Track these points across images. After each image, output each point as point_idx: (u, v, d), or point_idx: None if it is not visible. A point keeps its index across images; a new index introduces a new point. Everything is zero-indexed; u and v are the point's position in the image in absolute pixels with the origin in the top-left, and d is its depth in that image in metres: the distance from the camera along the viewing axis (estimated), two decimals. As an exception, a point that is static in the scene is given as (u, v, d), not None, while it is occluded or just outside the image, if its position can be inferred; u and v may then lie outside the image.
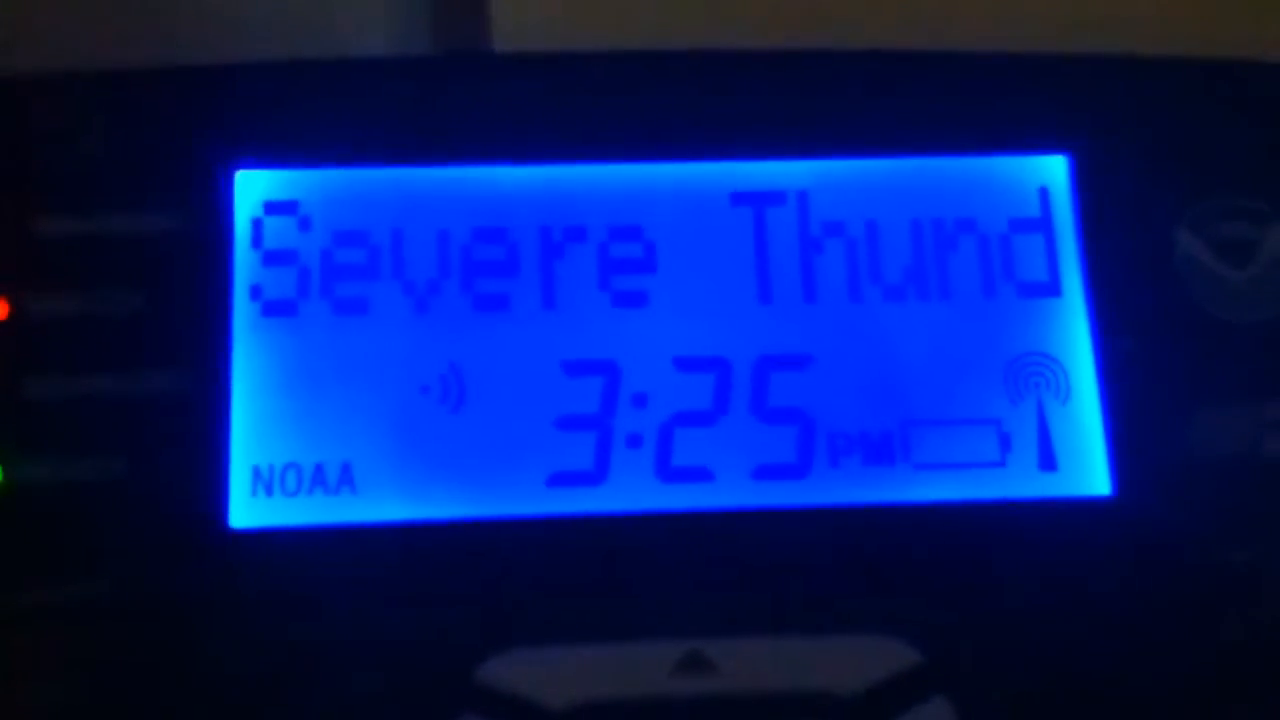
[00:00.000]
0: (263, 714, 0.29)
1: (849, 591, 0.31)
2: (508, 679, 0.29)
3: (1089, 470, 0.32)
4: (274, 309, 0.32)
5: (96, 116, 0.32)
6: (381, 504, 0.31)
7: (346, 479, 0.31)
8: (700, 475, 0.31)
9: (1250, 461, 0.32)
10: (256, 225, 0.32)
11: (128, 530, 0.30)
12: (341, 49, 0.40)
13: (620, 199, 0.33)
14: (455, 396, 0.32)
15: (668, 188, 0.33)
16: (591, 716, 0.29)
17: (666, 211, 0.33)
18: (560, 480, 0.31)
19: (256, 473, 0.31)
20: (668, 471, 0.31)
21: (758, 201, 0.33)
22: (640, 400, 0.32)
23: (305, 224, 0.32)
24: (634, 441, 0.32)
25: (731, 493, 0.31)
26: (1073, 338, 0.32)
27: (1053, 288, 0.33)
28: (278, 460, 0.31)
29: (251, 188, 0.32)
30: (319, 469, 0.31)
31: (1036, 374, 0.32)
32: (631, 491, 0.31)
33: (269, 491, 0.31)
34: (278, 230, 0.32)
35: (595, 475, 0.31)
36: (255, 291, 0.32)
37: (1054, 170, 0.33)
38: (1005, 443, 0.32)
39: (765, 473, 0.32)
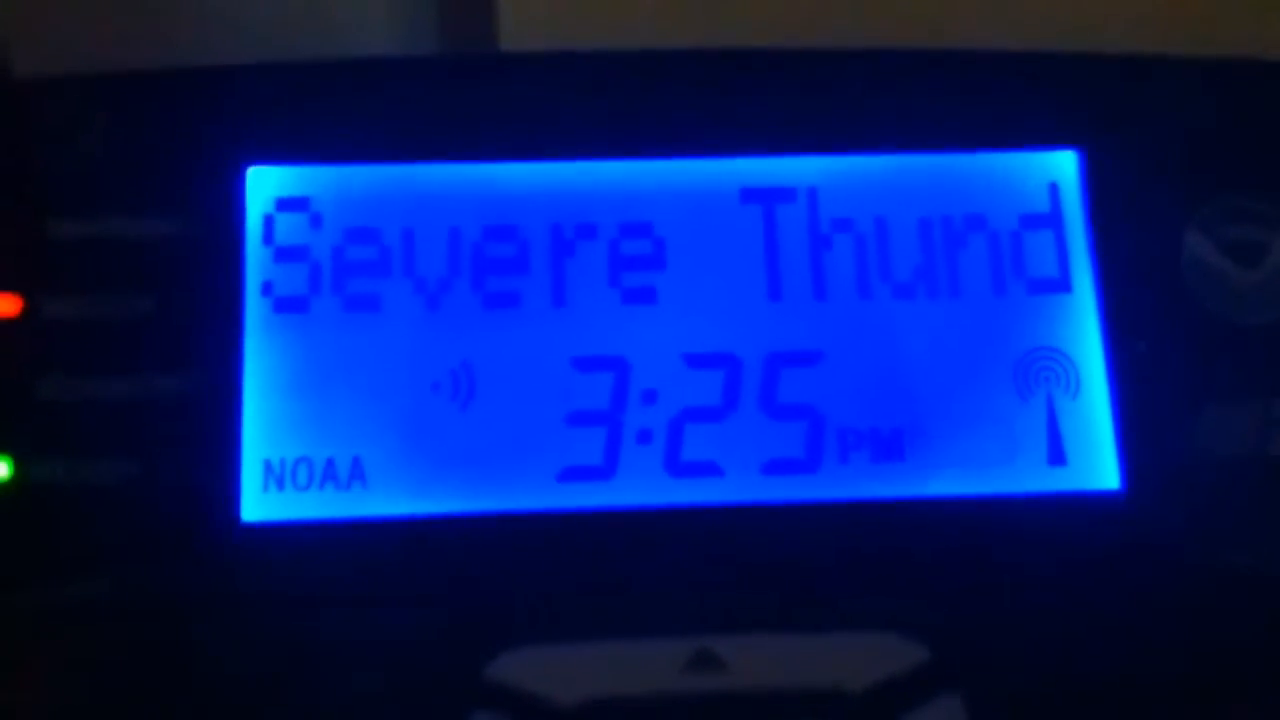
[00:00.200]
0: (272, 707, 0.29)
1: (858, 587, 0.31)
2: (518, 675, 0.30)
3: (1098, 465, 0.32)
4: (285, 305, 0.32)
5: (109, 117, 0.32)
6: (392, 499, 0.31)
7: (358, 474, 0.31)
8: (710, 470, 0.32)
9: (1258, 458, 0.32)
10: (268, 222, 0.32)
11: (141, 526, 0.30)
12: (348, 48, 0.40)
13: (630, 196, 0.33)
14: (466, 392, 0.32)
15: (678, 185, 0.33)
16: (601, 713, 0.29)
17: (677, 208, 0.33)
18: (570, 475, 0.31)
19: (268, 467, 0.31)
20: (677, 467, 0.32)
21: (768, 198, 0.33)
22: (650, 396, 0.32)
23: (316, 221, 0.32)
24: (644, 437, 0.32)
25: (741, 488, 0.31)
26: (1082, 334, 0.32)
27: (1063, 284, 0.33)
28: (289, 455, 0.31)
29: (263, 185, 0.32)
30: (330, 464, 0.31)
31: (1046, 370, 0.32)
32: (641, 487, 0.31)
33: (280, 486, 0.31)
34: (289, 227, 0.32)
35: (605, 470, 0.31)
36: (267, 288, 0.32)
37: (1064, 166, 0.33)
38: (1014, 438, 0.32)
39: (774, 468, 0.32)
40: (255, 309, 0.32)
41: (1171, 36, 0.36)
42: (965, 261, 0.33)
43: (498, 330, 0.32)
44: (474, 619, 0.30)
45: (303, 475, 0.31)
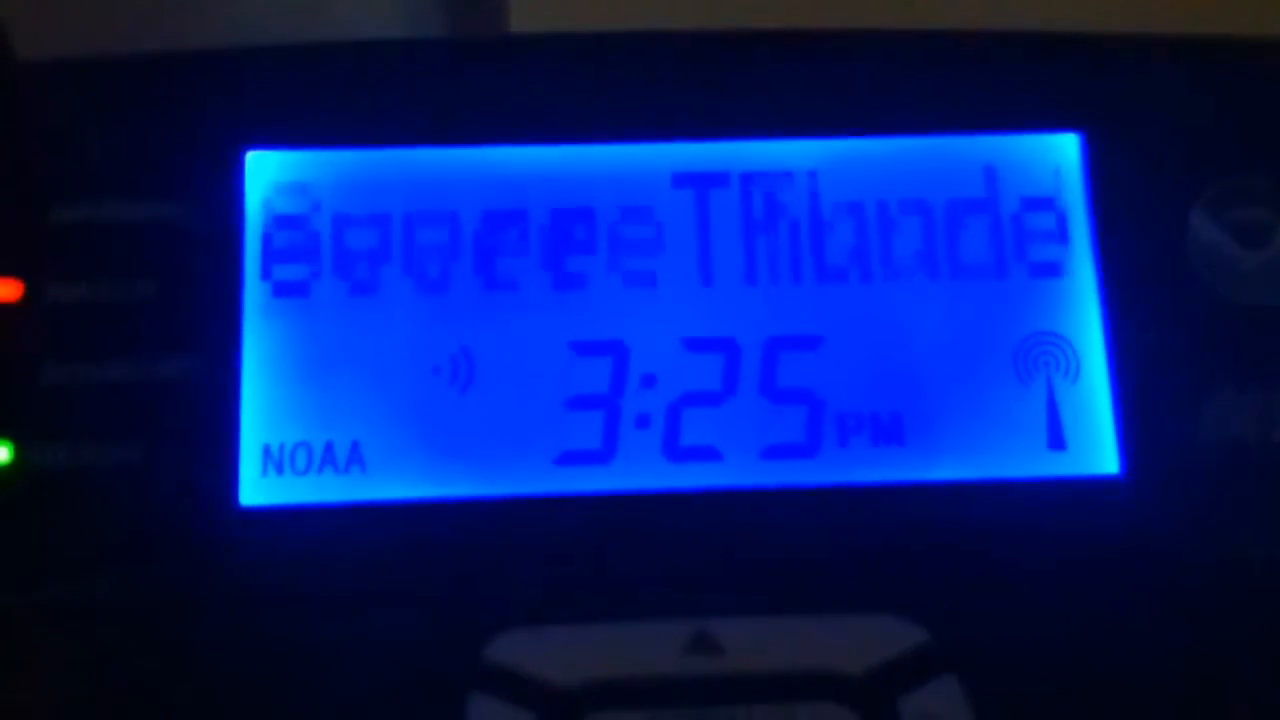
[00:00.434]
0: (271, 692, 0.30)
1: (857, 571, 0.31)
2: (516, 657, 0.30)
3: (1098, 450, 0.32)
4: (285, 290, 0.32)
5: (109, 101, 0.32)
6: (391, 483, 0.31)
7: (356, 458, 0.31)
8: (709, 455, 0.32)
9: (1260, 443, 0.31)
10: (268, 206, 0.32)
11: (141, 510, 0.30)
12: (355, 31, 0.40)
13: (631, 180, 0.33)
14: (465, 376, 0.32)
15: (678, 169, 0.33)
16: (600, 695, 0.29)
17: (676, 192, 0.33)
18: (569, 459, 0.31)
19: (267, 451, 0.31)
20: (676, 451, 0.32)
21: (768, 182, 0.33)
22: (649, 380, 0.32)
23: (316, 205, 0.32)
24: (642, 421, 0.32)
25: (740, 472, 0.31)
26: (1083, 317, 0.32)
27: (1064, 267, 0.33)
28: (288, 439, 0.31)
29: (263, 169, 0.32)
30: (329, 448, 0.31)
31: (1046, 354, 0.32)
32: (640, 471, 0.31)
33: (279, 470, 0.31)
34: (289, 211, 0.32)
35: (604, 455, 0.31)
36: (266, 272, 0.32)
37: (1066, 149, 0.33)
38: (1014, 422, 0.32)
39: (774, 452, 0.32)
40: (255, 293, 0.32)
41: (1173, 24, 0.36)
42: (966, 245, 0.33)
43: (497, 314, 0.32)
44: (473, 602, 0.30)
45: (301, 459, 0.31)
